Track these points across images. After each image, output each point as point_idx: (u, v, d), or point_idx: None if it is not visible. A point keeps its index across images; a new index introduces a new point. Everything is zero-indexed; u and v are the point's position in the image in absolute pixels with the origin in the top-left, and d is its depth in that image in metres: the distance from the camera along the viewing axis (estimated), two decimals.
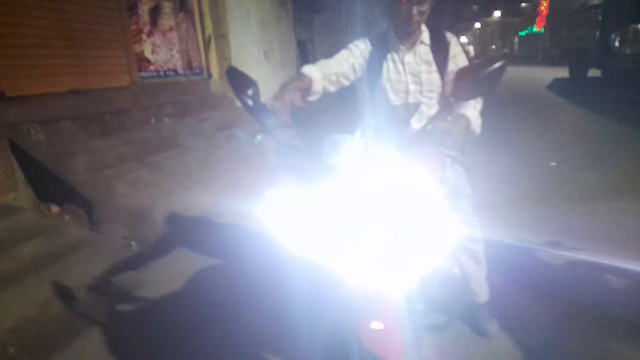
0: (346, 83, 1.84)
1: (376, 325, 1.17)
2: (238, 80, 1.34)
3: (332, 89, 1.78)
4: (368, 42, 1.85)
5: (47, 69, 3.90)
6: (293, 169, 1.25)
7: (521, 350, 1.99)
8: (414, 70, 1.81)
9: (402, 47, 1.81)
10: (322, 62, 1.74)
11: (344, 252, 1.08)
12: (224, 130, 5.20)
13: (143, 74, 5.13)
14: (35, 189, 3.59)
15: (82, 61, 4.27)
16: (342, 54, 1.82)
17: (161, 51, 5.46)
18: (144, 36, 5.19)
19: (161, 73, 5.45)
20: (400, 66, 1.82)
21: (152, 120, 4.73)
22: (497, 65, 1.19)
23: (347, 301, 1.19)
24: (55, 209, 3.63)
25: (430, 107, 1.85)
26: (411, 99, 1.84)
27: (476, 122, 1.64)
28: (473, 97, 1.27)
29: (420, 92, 1.83)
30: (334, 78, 1.77)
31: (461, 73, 1.25)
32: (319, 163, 1.19)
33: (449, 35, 1.82)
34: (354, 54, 1.83)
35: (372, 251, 1.05)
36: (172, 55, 5.65)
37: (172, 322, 2.31)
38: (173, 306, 2.48)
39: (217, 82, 6.30)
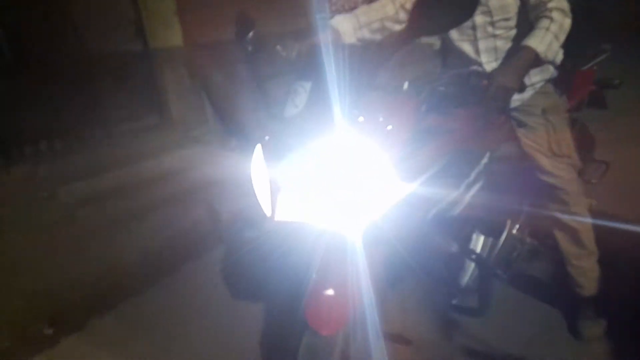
0: (397, 28, 1.58)
1: (328, 291, 1.09)
2: (241, 25, 1.32)
3: (378, 36, 1.56)
4: None
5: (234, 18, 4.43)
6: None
7: None
8: None
9: None
10: (362, 9, 1.54)
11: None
12: None
13: None
14: (221, 124, 4.31)
15: (267, 5, 4.67)
16: None
17: None
18: None
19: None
20: None
21: None
22: None
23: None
24: (235, 142, 4.29)
25: (507, 40, 1.46)
26: (481, 34, 1.48)
27: (549, 50, 1.30)
28: (440, 30, 1.00)
29: (492, 24, 1.46)
30: (376, 25, 1.54)
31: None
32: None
33: None
34: None
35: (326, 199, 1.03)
36: None
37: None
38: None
39: None
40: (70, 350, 2.05)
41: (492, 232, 1.56)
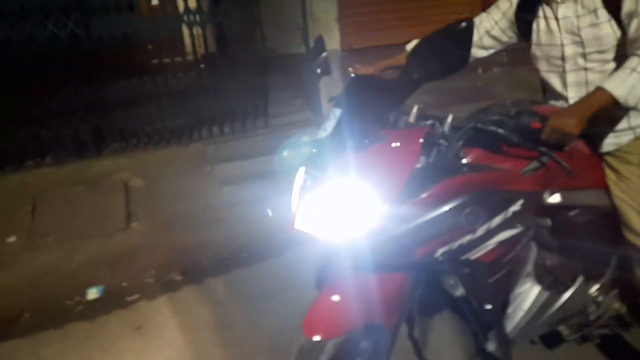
0: (481, 54, 1.56)
1: (328, 300, 1.20)
2: (315, 48, 1.46)
3: None
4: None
5: (389, 23, 4.59)
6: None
7: None
8: (571, 26, 1.30)
9: None
10: None
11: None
12: None
13: None
14: None
15: (423, 12, 4.71)
16: (476, 19, 1.52)
17: None
18: None
19: None
20: (554, 24, 1.34)
21: (480, 70, 4.72)
22: (455, 28, 0.90)
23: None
24: None
25: (602, 74, 1.29)
26: (570, 67, 1.34)
27: (631, 94, 1.13)
28: (435, 76, 0.99)
29: (583, 56, 1.32)
30: None
31: (421, 43, 1.00)
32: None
33: None
34: (492, 18, 1.49)
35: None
36: None
37: None
38: None
39: None
40: (189, 297, 2.54)
41: (552, 286, 1.40)
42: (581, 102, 1.17)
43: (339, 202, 1.10)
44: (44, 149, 3.62)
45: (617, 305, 1.52)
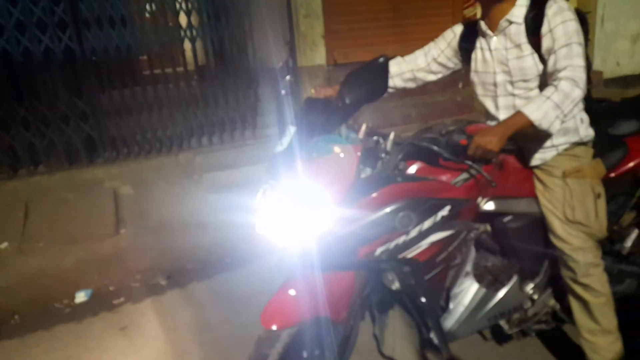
0: (431, 78, 1.73)
1: (282, 292, 1.35)
2: (281, 70, 1.63)
3: (412, 85, 1.75)
4: (459, 30, 1.62)
5: (373, 39, 4.78)
6: None
7: None
8: (501, 57, 1.49)
9: (489, 30, 1.49)
10: (397, 59, 1.71)
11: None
12: None
13: None
14: None
15: (406, 30, 4.90)
16: (425, 47, 1.70)
17: None
18: None
19: None
20: (488, 54, 1.52)
21: (460, 85, 4.91)
22: (374, 63, 1.16)
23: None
24: None
25: (527, 100, 1.48)
26: (500, 92, 1.52)
27: (545, 118, 1.30)
28: (363, 101, 1.16)
29: (511, 83, 1.50)
30: (408, 75, 1.72)
31: (348, 75, 1.18)
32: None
33: (550, 4, 1.37)
34: (438, 46, 1.67)
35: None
36: None
37: None
38: None
39: None
40: (173, 300, 2.68)
41: (490, 284, 1.56)
42: (503, 123, 1.34)
43: (290, 208, 1.26)
44: (37, 156, 3.77)
45: (552, 302, 1.68)
